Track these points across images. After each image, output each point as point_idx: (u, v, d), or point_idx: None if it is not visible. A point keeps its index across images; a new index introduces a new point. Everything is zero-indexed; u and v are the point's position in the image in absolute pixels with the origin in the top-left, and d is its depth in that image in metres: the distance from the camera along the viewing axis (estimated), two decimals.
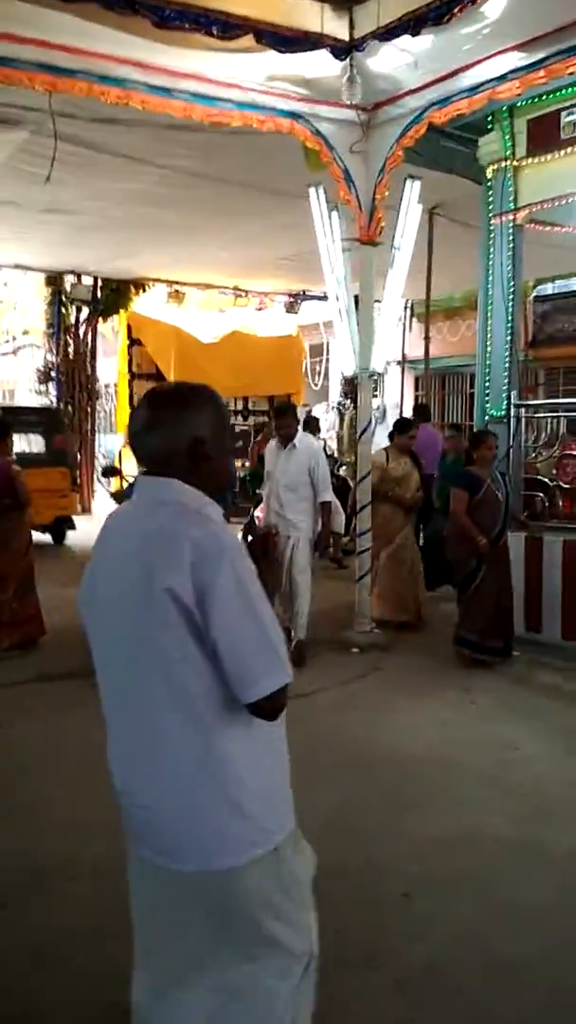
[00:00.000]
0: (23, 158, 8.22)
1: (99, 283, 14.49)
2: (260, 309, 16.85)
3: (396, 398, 16.85)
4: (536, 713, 5.39)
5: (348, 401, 15.87)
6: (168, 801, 1.75)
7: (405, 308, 16.53)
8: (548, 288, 14.83)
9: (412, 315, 15.38)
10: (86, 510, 14.85)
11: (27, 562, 6.43)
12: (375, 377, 6.78)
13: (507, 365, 6.77)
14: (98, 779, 4.25)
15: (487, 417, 6.89)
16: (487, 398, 6.92)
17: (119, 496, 8.13)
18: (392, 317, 6.67)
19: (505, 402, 6.74)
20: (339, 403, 16.35)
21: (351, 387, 15.71)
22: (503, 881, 3.42)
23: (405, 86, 6.08)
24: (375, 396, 17.36)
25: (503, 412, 6.74)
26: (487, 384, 6.94)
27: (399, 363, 17.20)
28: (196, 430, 1.81)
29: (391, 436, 7.38)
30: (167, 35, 5.14)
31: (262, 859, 1.78)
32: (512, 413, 6.71)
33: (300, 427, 6.51)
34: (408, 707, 5.47)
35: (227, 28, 5.07)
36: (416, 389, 15.75)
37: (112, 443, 17.33)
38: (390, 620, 7.15)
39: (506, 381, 6.76)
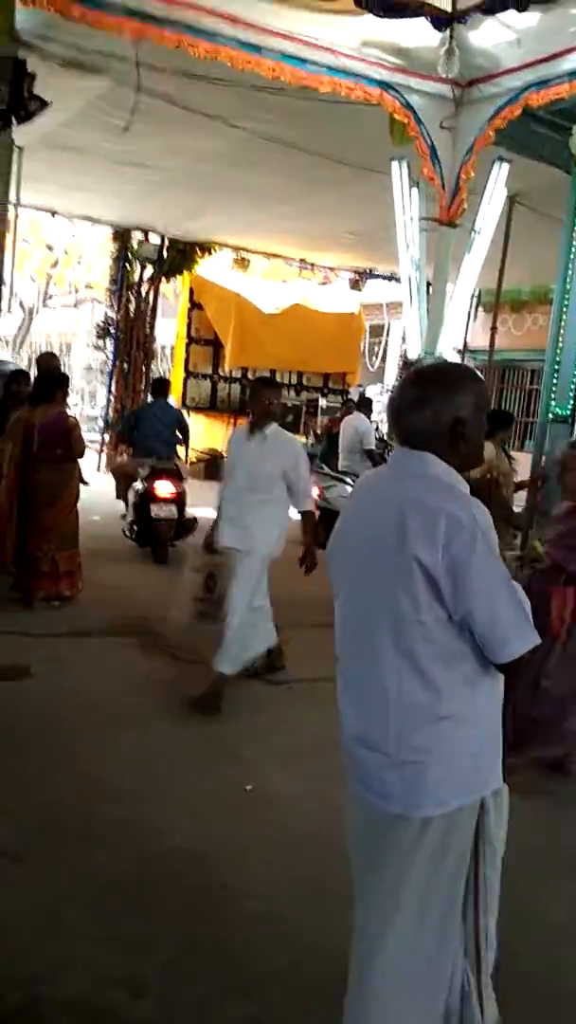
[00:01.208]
0: (101, 106, 8.10)
1: (166, 242, 14.35)
2: (324, 283, 16.63)
3: None
4: None
5: None
6: (385, 745, 1.92)
7: (472, 296, 16.30)
8: None
9: (479, 304, 15.07)
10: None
11: (74, 516, 6.40)
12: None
13: None
14: (119, 738, 4.32)
15: (551, 416, 6.68)
16: (553, 395, 6.70)
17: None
18: (463, 303, 6.48)
19: (572, 400, 6.52)
20: (395, 386, 16.13)
21: (409, 370, 15.60)
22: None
23: (504, 64, 5.87)
24: None
25: (569, 411, 6.53)
26: (555, 380, 6.71)
27: (459, 351, 16.91)
28: (458, 411, 1.93)
29: (491, 431, 6.96)
30: None
31: (463, 810, 1.94)
32: None
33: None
34: None
35: None
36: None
37: None
38: None
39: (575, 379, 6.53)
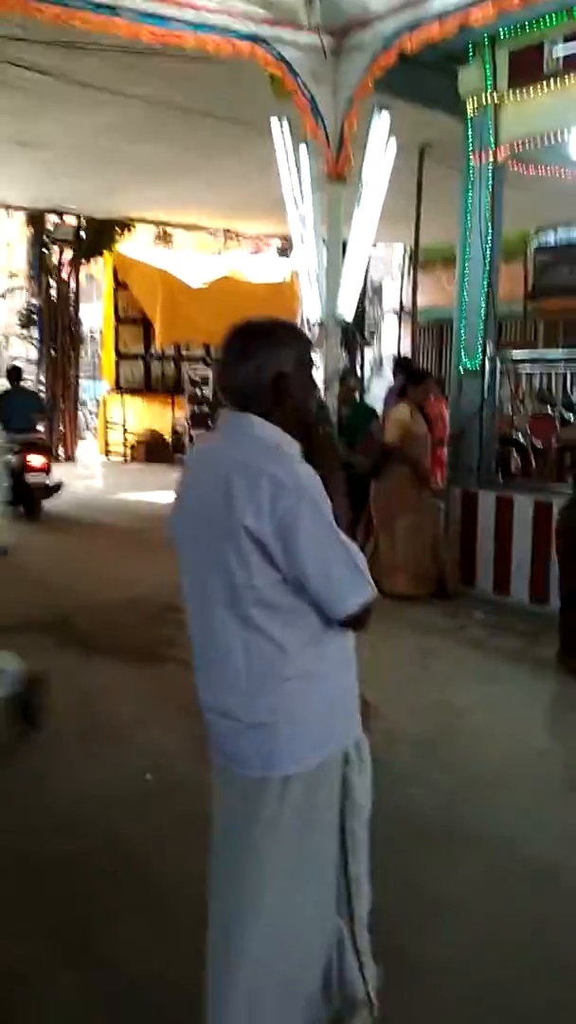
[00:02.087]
0: None
1: (82, 222, 13.99)
2: (256, 252, 16.34)
3: (395, 349, 16.41)
4: (495, 678, 5.17)
5: (344, 351, 15.49)
6: (236, 711, 1.90)
7: (405, 256, 16.06)
8: (551, 238, 14.27)
9: (413, 262, 14.88)
10: (70, 458, 14.61)
11: None
12: (344, 324, 6.41)
13: (483, 316, 6.39)
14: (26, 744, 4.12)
15: (461, 370, 6.54)
16: (463, 350, 6.56)
17: None
18: (359, 260, 6.27)
19: (480, 354, 6.39)
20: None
21: (347, 336, 15.37)
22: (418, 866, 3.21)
23: (374, 10, 5.63)
24: (369, 346, 16.98)
25: (477, 365, 6.39)
26: (463, 335, 6.57)
27: (396, 312, 16.75)
28: (280, 365, 1.87)
29: (403, 389, 6.89)
30: None
31: (324, 765, 1.93)
32: (487, 367, 6.36)
33: None
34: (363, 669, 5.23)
35: None
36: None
37: (96, 389, 17.01)
38: (411, 595, 6.48)
39: (482, 332, 6.39)
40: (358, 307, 14.98)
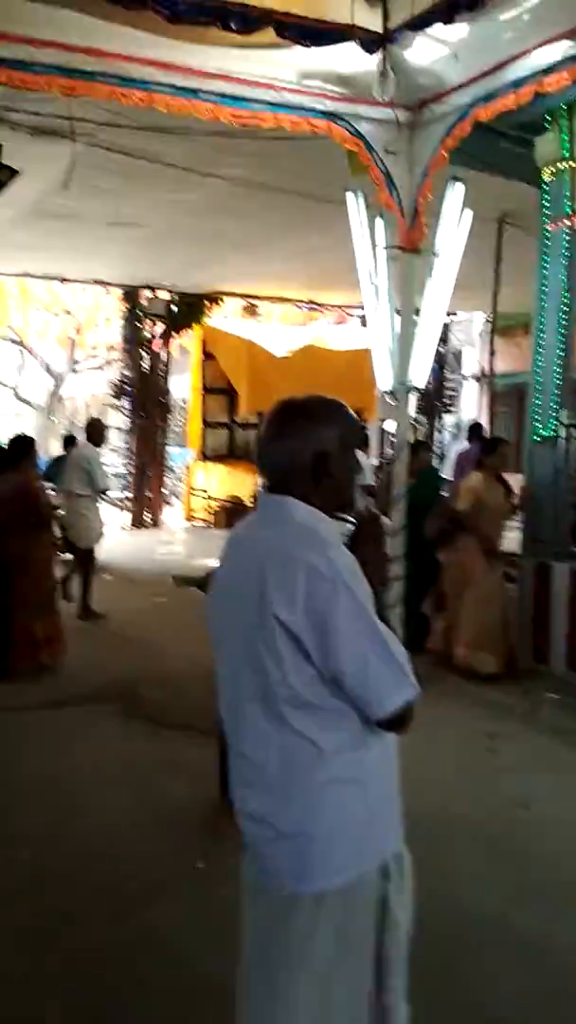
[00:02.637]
0: (81, 171, 8.15)
1: (174, 297, 14.48)
2: (340, 323, 16.60)
3: (474, 415, 16.31)
4: (568, 767, 4.86)
5: (423, 416, 15.43)
6: (267, 816, 1.78)
7: (487, 322, 16.06)
8: None
9: (493, 329, 14.83)
10: (156, 523, 14.86)
11: (48, 583, 6.28)
12: (411, 391, 6.34)
13: (558, 383, 6.23)
14: (73, 821, 4.08)
15: (536, 438, 6.37)
16: (537, 417, 6.40)
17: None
18: (432, 330, 6.22)
19: (554, 422, 6.21)
20: (412, 418, 15.91)
21: (426, 402, 15.34)
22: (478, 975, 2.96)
23: (449, 82, 5.68)
24: (450, 412, 16.88)
25: (551, 432, 6.21)
26: (538, 403, 6.42)
27: (476, 378, 16.70)
28: (321, 444, 1.81)
29: (479, 460, 6.82)
30: (188, 32, 4.92)
31: (361, 881, 1.78)
32: (561, 435, 6.18)
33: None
34: (419, 749, 4.99)
35: (246, 21, 4.79)
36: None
37: (182, 456, 17.34)
38: (479, 671, 6.24)
39: (556, 399, 6.22)
40: (437, 374, 15.06)
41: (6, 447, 6.38)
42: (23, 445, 6.34)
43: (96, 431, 8.71)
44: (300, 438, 1.81)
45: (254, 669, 1.75)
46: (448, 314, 14.35)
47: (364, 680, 1.70)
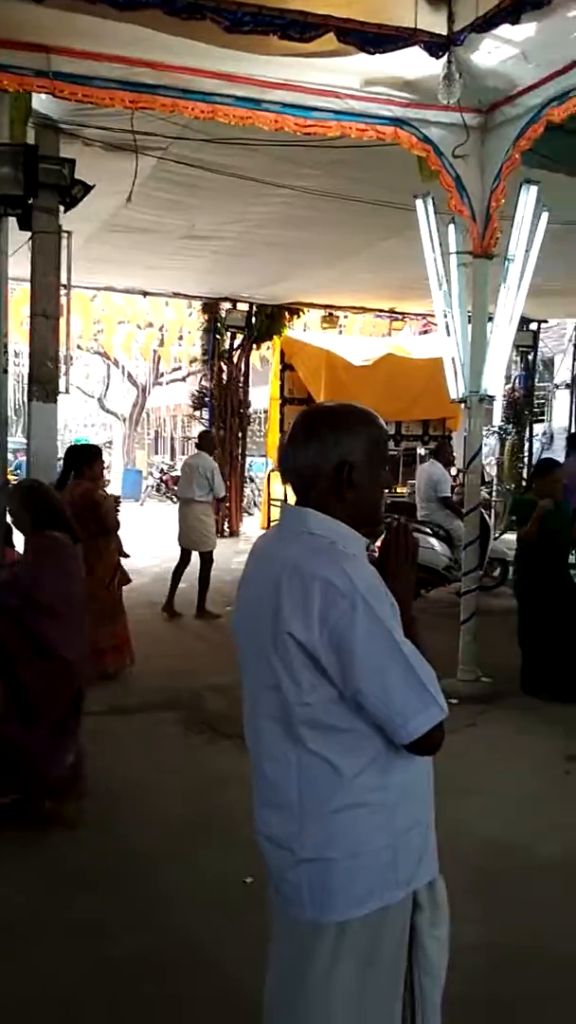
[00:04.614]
0: (154, 184, 8.26)
1: (253, 309, 14.54)
2: (425, 331, 16.39)
3: (568, 424, 15.85)
4: None
5: (510, 425, 15.07)
6: (287, 840, 1.71)
7: None
8: None
9: None
10: (234, 533, 14.92)
11: (112, 590, 6.31)
12: (485, 400, 6.14)
13: None
14: (123, 829, 4.08)
15: None
16: None
17: None
18: (507, 336, 6.03)
19: None
20: (500, 427, 15.55)
21: (515, 411, 14.97)
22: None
23: (520, 83, 5.52)
24: (541, 420, 16.45)
25: None
26: None
27: (568, 386, 16.25)
28: (345, 452, 1.73)
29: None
30: (248, 42, 4.88)
31: (388, 910, 1.68)
32: None
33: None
34: (494, 775, 4.82)
35: (306, 28, 4.72)
36: None
37: (262, 466, 17.40)
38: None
39: None
40: (526, 382, 14.68)
41: (70, 455, 6.44)
42: (85, 454, 6.42)
43: (208, 441, 9.51)
44: (322, 446, 1.74)
45: (271, 687, 1.69)
46: (538, 321, 14.02)
47: (386, 702, 1.61)
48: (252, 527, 15.98)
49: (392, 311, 14.87)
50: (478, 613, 6.30)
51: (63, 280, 7.36)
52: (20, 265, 7.57)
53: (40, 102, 6.14)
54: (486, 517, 8.66)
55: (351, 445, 1.74)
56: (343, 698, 1.63)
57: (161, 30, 4.78)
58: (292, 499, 1.86)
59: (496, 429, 15.56)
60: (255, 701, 1.76)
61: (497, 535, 10.37)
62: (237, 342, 14.75)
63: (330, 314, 14.79)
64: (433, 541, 8.71)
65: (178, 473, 20.88)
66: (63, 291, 7.42)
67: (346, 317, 15.79)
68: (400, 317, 15.14)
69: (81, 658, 3.98)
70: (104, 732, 5.37)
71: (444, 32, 5.00)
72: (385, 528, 1.90)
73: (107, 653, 6.23)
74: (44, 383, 6.93)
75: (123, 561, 6.52)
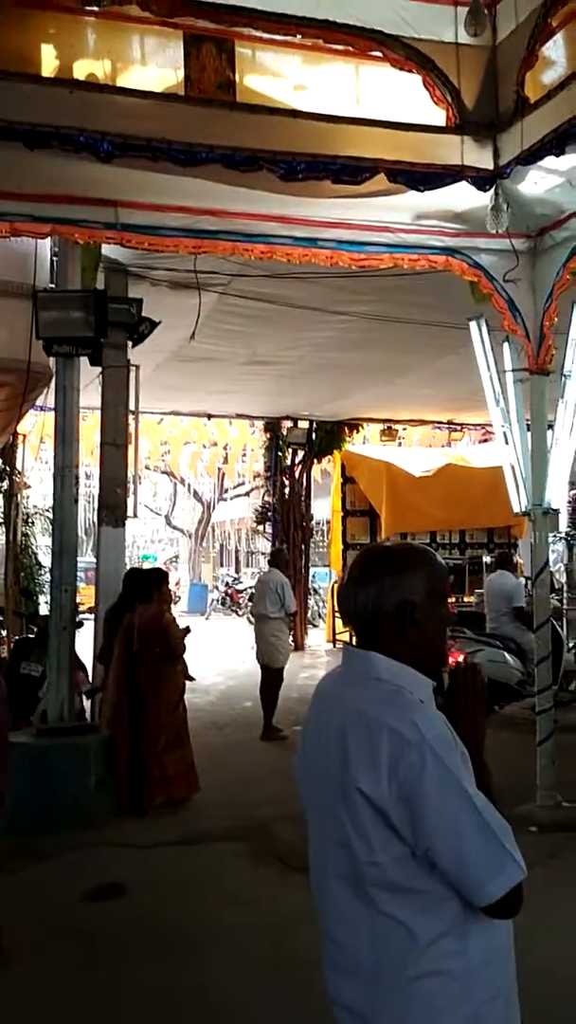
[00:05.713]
0: (218, 317, 8.66)
1: (314, 426, 14.88)
2: (485, 440, 16.49)
3: None
4: None
5: None
6: (360, 1008, 1.62)
7: None
8: None
9: None
10: (299, 647, 14.80)
11: (178, 715, 6.29)
12: (548, 513, 6.10)
13: None
14: (194, 971, 3.94)
15: None
16: None
17: None
18: (567, 448, 6.04)
19: None
20: (568, 533, 15.28)
21: None
22: None
23: (568, 208, 5.68)
24: None
25: None
26: None
27: None
28: (407, 593, 1.71)
29: None
30: (303, 187, 5.15)
31: None
32: None
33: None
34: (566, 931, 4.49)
35: (358, 172, 4.98)
36: None
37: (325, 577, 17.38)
38: None
39: None
40: None
41: (139, 579, 6.54)
42: (155, 578, 6.52)
43: (280, 558, 9.88)
44: (382, 587, 1.71)
45: (339, 843, 1.61)
46: None
47: (461, 861, 1.53)
48: (317, 639, 15.85)
49: (451, 422, 15.04)
50: (555, 732, 6.06)
51: (131, 407, 7.71)
52: (91, 396, 7.97)
53: (109, 248, 6.59)
54: (558, 628, 8.46)
55: (411, 584, 1.72)
56: (415, 856, 1.56)
57: (221, 182, 5.09)
58: (354, 640, 1.85)
59: (563, 535, 15.30)
60: (322, 857, 1.70)
61: (572, 646, 10.05)
62: (299, 458, 15.04)
63: (389, 428, 15.01)
64: (505, 654, 8.51)
65: (243, 587, 21.23)
66: (131, 418, 7.76)
67: (404, 429, 16.02)
68: (459, 428, 15.28)
69: None
70: (170, 864, 5.27)
71: (490, 167, 5.24)
72: (451, 671, 1.86)
73: (175, 780, 6.15)
74: (112, 508, 7.16)
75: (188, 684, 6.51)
